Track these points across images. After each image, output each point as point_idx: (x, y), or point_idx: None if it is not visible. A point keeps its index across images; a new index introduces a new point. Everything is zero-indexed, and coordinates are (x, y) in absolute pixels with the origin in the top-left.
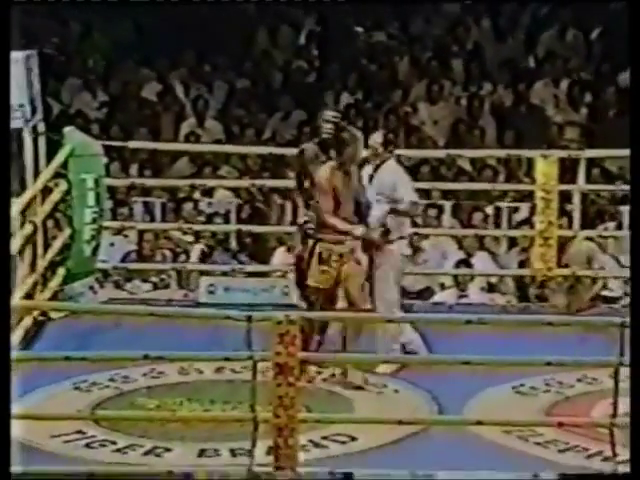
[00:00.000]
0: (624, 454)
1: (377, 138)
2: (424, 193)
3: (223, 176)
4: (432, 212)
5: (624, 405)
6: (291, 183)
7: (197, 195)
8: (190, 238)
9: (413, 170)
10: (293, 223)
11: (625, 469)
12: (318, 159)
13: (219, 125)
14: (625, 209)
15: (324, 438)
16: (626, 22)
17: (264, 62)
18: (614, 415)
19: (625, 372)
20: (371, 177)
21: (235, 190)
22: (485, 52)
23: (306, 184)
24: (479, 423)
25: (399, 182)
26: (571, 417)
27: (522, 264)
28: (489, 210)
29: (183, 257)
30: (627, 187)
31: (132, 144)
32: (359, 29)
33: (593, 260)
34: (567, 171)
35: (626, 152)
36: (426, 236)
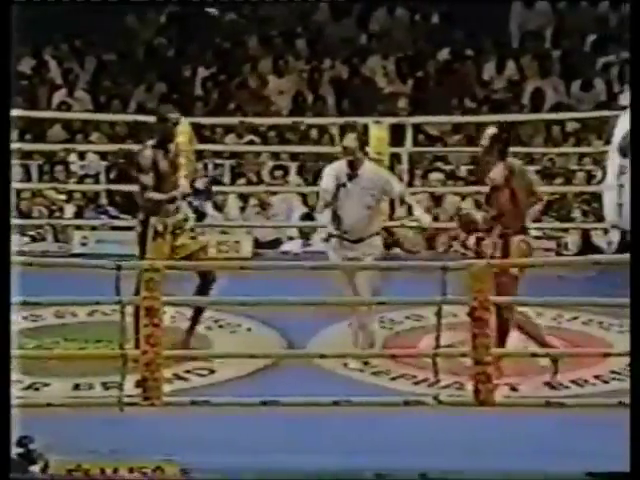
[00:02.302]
0: (446, 380)
1: (351, 139)
2: (273, 155)
3: (93, 141)
4: (279, 172)
5: (445, 339)
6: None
7: (70, 158)
8: (63, 197)
9: (263, 135)
10: None
11: (447, 393)
12: (159, 154)
13: (88, 96)
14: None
15: (187, 372)
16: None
17: (130, 39)
18: (437, 347)
19: (447, 309)
20: (350, 176)
21: (104, 154)
22: (324, 31)
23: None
24: (323, 356)
25: (388, 178)
26: (401, 349)
27: None
28: None
29: (58, 214)
30: (447, 149)
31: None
32: (212, 10)
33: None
34: (396, 135)
35: (446, 118)
36: (274, 193)
